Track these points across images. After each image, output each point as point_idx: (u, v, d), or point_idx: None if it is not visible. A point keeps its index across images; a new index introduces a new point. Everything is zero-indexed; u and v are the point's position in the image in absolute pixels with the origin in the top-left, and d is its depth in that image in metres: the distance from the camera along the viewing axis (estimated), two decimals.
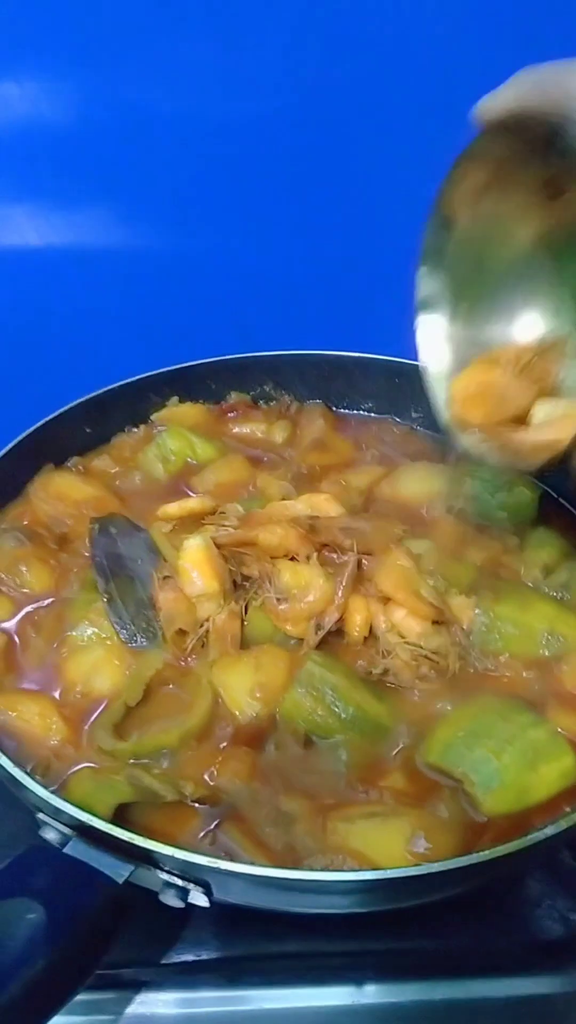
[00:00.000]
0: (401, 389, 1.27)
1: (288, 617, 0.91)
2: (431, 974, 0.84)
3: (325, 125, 1.39)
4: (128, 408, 1.22)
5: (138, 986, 0.82)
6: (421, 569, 0.92)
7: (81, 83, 1.34)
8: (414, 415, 1.28)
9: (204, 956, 0.84)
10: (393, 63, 1.34)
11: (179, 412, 1.24)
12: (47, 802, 0.73)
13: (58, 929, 0.62)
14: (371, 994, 0.83)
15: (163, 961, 0.83)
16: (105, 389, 1.19)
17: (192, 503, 1.03)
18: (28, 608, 0.98)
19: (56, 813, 0.73)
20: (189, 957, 0.84)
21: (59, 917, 0.62)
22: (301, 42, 1.32)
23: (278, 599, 0.92)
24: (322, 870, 0.72)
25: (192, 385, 1.26)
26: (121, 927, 0.68)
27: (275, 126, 1.39)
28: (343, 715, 0.85)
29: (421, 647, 0.89)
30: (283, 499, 1.06)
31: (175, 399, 1.25)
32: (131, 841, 0.69)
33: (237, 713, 0.87)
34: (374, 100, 1.37)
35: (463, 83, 1.30)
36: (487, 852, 0.70)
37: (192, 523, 1.03)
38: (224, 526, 0.99)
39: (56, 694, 0.89)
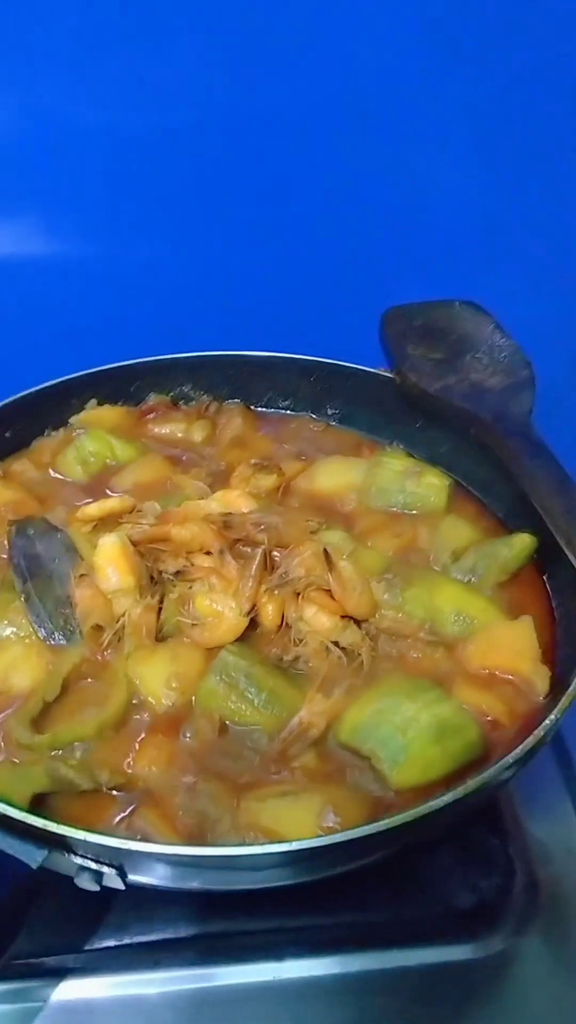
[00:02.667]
0: (317, 387, 1.31)
1: (200, 641, 0.93)
2: (350, 947, 0.88)
3: (239, 132, 1.42)
4: (47, 412, 1.23)
5: (63, 972, 0.84)
6: (333, 561, 0.94)
7: (7, 95, 1.35)
8: (330, 411, 1.31)
9: (126, 940, 0.87)
10: (318, 72, 1.37)
11: (98, 415, 1.26)
12: None
13: None
14: (291, 969, 0.87)
15: (86, 947, 0.85)
16: (24, 393, 1.20)
17: (111, 503, 1.04)
18: None
19: None
20: (111, 943, 0.86)
21: None
22: (225, 53, 1.35)
23: (192, 623, 0.94)
24: (223, 845, 0.74)
25: (112, 387, 1.28)
26: (40, 911, 0.70)
27: (196, 136, 1.41)
28: (256, 701, 0.88)
29: (336, 643, 0.91)
30: (199, 498, 1.09)
31: (93, 402, 1.26)
32: (45, 828, 0.71)
33: (154, 702, 0.89)
34: (286, 105, 1.40)
35: (370, 83, 1.37)
36: (388, 820, 0.73)
37: (112, 523, 1.05)
38: (140, 524, 1.02)
39: None
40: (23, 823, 0.72)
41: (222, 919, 0.88)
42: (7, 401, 1.19)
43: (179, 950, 0.86)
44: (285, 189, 1.43)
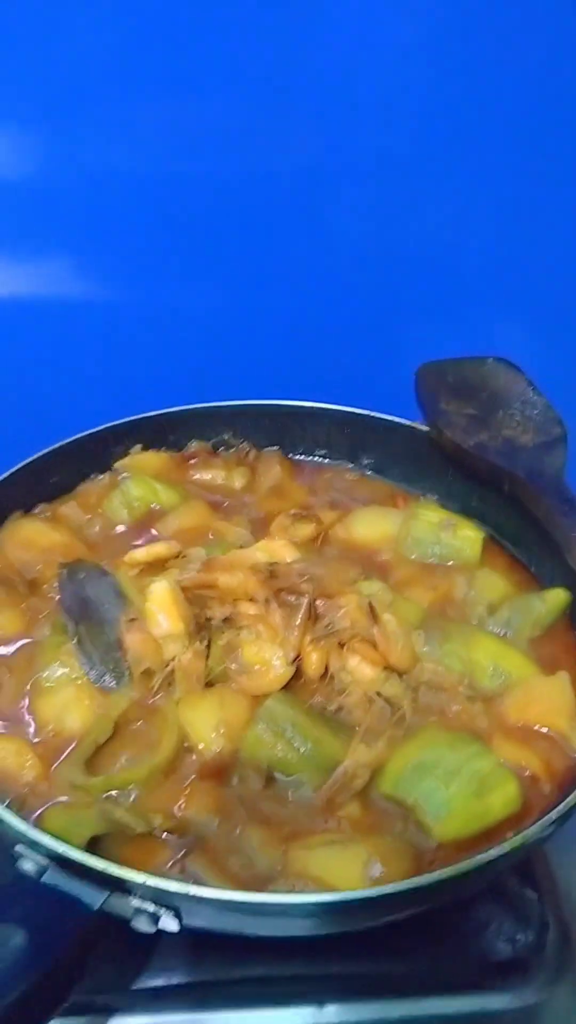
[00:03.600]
0: (352, 438, 1.35)
1: (246, 688, 0.96)
2: (388, 994, 0.90)
3: (275, 183, 1.46)
4: (93, 456, 1.27)
5: (110, 1011, 0.86)
6: (377, 613, 0.97)
7: (43, 140, 1.40)
8: (364, 462, 1.35)
9: (173, 981, 0.89)
10: (354, 126, 1.42)
11: (142, 460, 1.29)
12: (25, 835, 0.77)
13: (39, 953, 0.66)
14: (331, 1014, 0.88)
15: (134, 987, 0.87)
16: (71, 439, 1.24)
17: (159, 548, 1.07)
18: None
19: (33, 845, 0.77)
20: (159, 982, 0.88)
21: (39, 942, 0.67)
22: (262, 103, 1.40)
23: (238, 670, 0.97)
24: (283, 893, 0.77)
25: (154, 434, 1.31)
26: (96, 952, 0.72)
27: (227, 183, 1.46)
28: (301, 750, 0.90)
29: (378, 694, 0.94)
30: (240, 546, 1.12)
31: (138, 447, 1.30)
32: (105, 870, 0.74)
33: (202, 748, 0.92)
34: (323, 158, 1.45)
35: (403, 140, 1.42)
36: (436, 873, 0.75)
37: (157, 567, 1.08)
38: (188, 570, 1.05)
39: (30, 733, 0.93)
40: (84, 865, 0.74)
41: (265, 963, 0.90)
42: (54, 447, 1.23)
43: (223, 992, 0.88)
44: (323, 241, 1.48)
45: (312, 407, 1.34)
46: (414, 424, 1.29)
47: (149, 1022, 0.86)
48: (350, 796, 0.88)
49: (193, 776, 0.90)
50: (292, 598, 1.01)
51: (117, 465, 1.28)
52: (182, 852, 0.83)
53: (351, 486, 1.33)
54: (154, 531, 1.21)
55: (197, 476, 1.31)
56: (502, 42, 1.36)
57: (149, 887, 0.74)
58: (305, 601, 0.98)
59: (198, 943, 0.89)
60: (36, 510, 1.22)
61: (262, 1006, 0.88)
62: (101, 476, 1.28)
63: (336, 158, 1.45)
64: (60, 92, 1.36)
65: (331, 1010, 0.89)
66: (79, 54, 1.34)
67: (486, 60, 1.38)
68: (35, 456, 1.20)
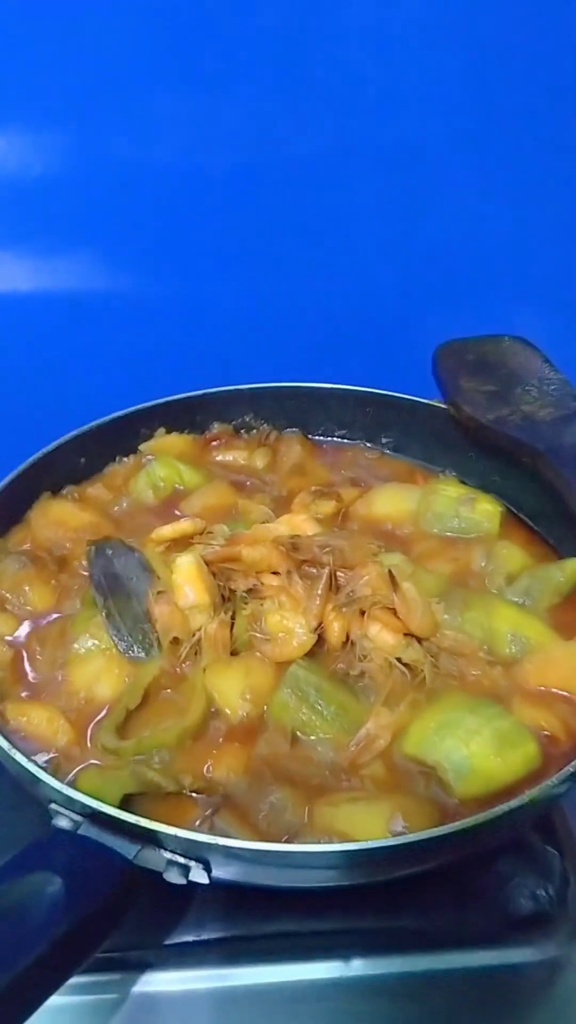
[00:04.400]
0: (372, 417, 1.37)
1: (271, 656, 0.99)
2: (413, 949, 0.92)
3: (294, 173, 1.50)
4: (119, 439, 1.30)
5: (142, 967, 0.89)
6: (398, 581, 1.00)
7: (67, 136, 1.44)
8: (384, 440, 1.37)
9: (204, 936, 0.91)
10: (356, 115, 1.45)
11: (166, 442, 1.33)
12: (60, 792, 0.80)
13: (76, 899, 0.69)
14: (358, 968, 0.91)
15: (165, 942, 0.91)
16: (97, 422, 1.27)
17: (184, 525, 1.10)
18: (32, 625, 1.05)
19: (68, 802, 0.80)
20: (189, 938, 0.91)
21: (77, 889, 0.70)
22: (282, 96, 1.43)
23: (263, 639, 1.00)
24: (309, 843, 0.79)
25: (178, 417, 1.34)
26: (130, 902, 0.75)
27: (247, 174, 1.49)
28: (325, 713, 0.93)
29: (398, 659, 0.97)
30: (263, 522, 1.15)
31: (162, 430, 1.33)
32: (138, 823, 0.77)
33: (230, 713, 0.95)
34: (341, 148, 1.48)
35: (421, 128, 1.44)
36: (457, 823, 0.78)
37: (183, 544, 1.11)
38: (212, 544, 1.08)
39: (62, 701, 0.97)
40: (117, 819, 0.78)
41: (292, 919, 0.93)
42: (81, 430, 1.26)
43: (252, 947, 0.91)
44: (342, 225, 1.51)
45: (332, 388, 1.36)
46: (433, 402, 1.31)
47: (180, 977, 0.89)
48: (373, 757, 0.90)
49: (221, 739, 0.93)
50: (313, 570, 1.04)
51: (143, 448, 1.32)
52: (211, 810, 0.86)
53: (371, 464, 1.35)
54: (178, 511, 1.23)
55: (220, 457, 1.34)
56: (522, 23, 1.38)
57: (180, 839, 0.76)
58: (326, 572, 1.01)
59: (228, 899, 0.92)
60: (64, 491, 1.25)
61: (290, 961, 0.91)
62: (127, 459, 1.31)
63: (354, 143, 1.48)
64: (80, 87, 1.40)
65: (357, 964, 0.91)
66: (99, 50, 1.37)
67: (504, 43, 1.40)
68: (63, 439, 1.23)
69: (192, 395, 1.36)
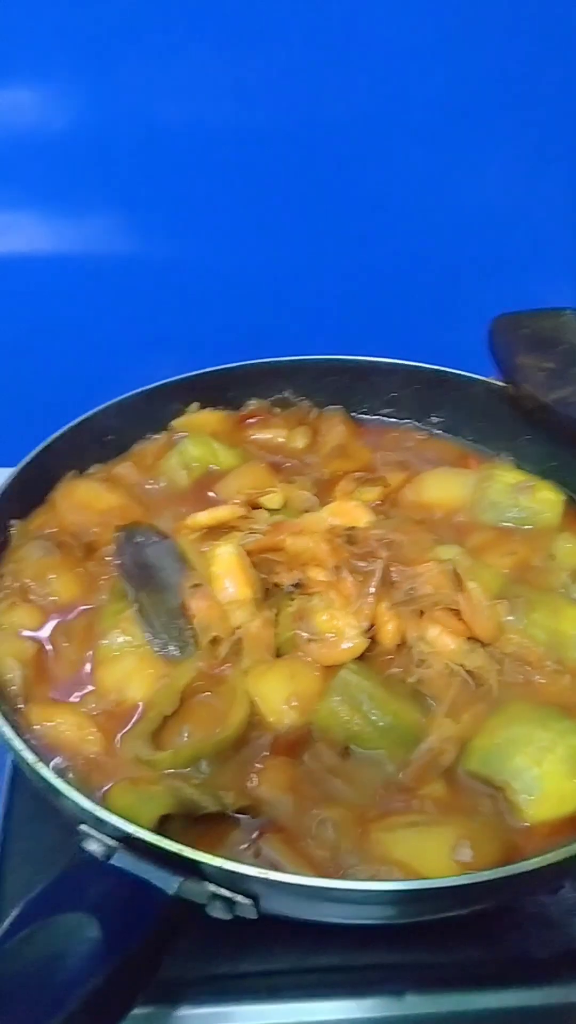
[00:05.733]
0: (421, 395, 1.27)
1: (318, 658, 0.90)
2: (470, 984, 0.84)
3: (334, 132, 1.40)
4: (148, 414, 1.21)
5: (179, 999, 0.81)
6: (463, 580, 0.91)
7: (90, 89, 1.34)
8: (434, 420, 1.28)
9: (243, 969, 0.83)
10: (401, 69, 1.35)
11: (200, 419, 1.23)
12: (91, 813, 0.72)
13: (113, 945, 0.61)
14: (411, 1005, 0.83)
15: (203, 974, 0.82)
16: (125, 396, 1.18)
17: (222, 512, 1.02)
18: (57, 617, 0.97)
19: (99, 824, 0.72)
20: (229, 970, 0.83)
21: (115, 930, 0.62)
22: (310, 50, 1.33)
23: (309, 639, 0.91)
24: (369, 880, 0.71)
25: (211, 392, 1.25)
26: (173, 940, 0.67)
27: (284, 133, 1.39)
28: (380, 723, 0.85)
29: (461, 665, 0.88)
30: (305, 509, 1.06)
31: (195, 405, 1.24)
32: (179, 852, 0.68)
33: (274, 721, 0.86)
34: (383, 106, 1.38)
35: (469, 88, 1.34)
36: (537, 860, 0.69)
37: (218, 531, 1.02)
38: (253, 531, 0.99)
39: (91, 704, 0.88)
40: (156, 847, 0.69)
41: (340, 951, 0.84)
42: (108, 404, 1.17)
43: (297, 981, 0.83)
44: (388, 190, 1.41)
45: (378, 362, 1.27)
46: (489, 380, 1.22)
47: (216, 1012, 0.81)
48: (437, 773, 0.82)
49: (264, 752, 0.84)
50: (363, 564, 0.95)
51: (174, 424, 1.22)
52: (255, 833, 0.78)
53: (419, 446, 1.26)
54: (212, 493, 1.14)
55: (256, 436, 1.25)
56: None
57: (226, 871, 0.68)
58: (380, 567, 0.92)
59: (272, 929, 0.83)
60: (90, 470, 1.16)
61: (337, 997, 0.83)
62: (157, 436, 1.22)
63: (398, 102, 1.37)
64: (108, 41, 1.30)
65: (411, 1000, 0.83)
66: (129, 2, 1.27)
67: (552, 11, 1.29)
68: (89, 413, 1.14)
69: (227, 367, 1.27)
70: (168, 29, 1.30)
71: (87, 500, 1.09)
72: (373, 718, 0.85)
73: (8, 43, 1.28)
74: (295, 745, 0.85)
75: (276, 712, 0.86)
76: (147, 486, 1.15)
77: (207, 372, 1.25)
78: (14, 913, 0.62)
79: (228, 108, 1.38)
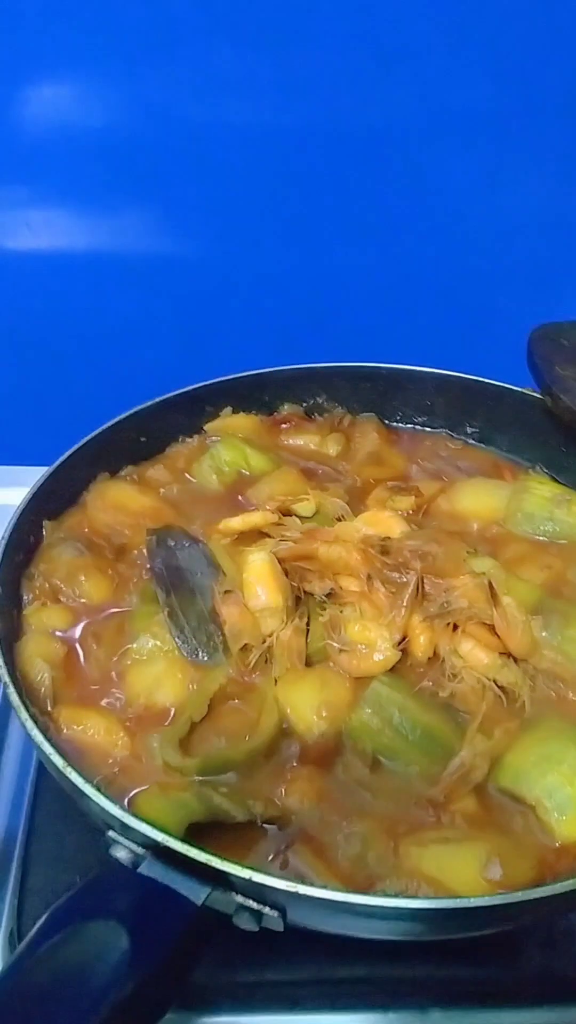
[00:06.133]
0: (456, 404, 1.26)
1: (349, 669, 0.89)
2: (497, 1002, 0.83)
3: (373, 137, 1.39)
4: (181, 417, 1.20)
5: (200, 1008, 0.81)
6: (497, 594, 0.90)
7: (132, 88, 1.34)
8: (468, 430, 1.26)
9: (267, 977, 0.83)
10: (444, 76, 1.34)
11: (232, 422, 1.23)
12: (119, 820, 0.71)
13: (143, 953, 0.60)
14: (436, 1021, 0.82)
15: (226, 982, 0.82)
16: (159, 399, 1.17)
17: (255, 517, 1.01)
18: (87, 619, 0.96)
19: (126, 831, 0.71)
20: (252, 978, 0.83)
21: (143, 940, 0.61)
22: (351, 54, 1.32)
23: (340, 649, 0.90)
24: (400, 897, 0.70)
25: (245, 396, 1.24)
26: (201, 950, 0.66)
27: (323, 137, 1.39)
28: (410, 737, 0.84)
29: (494, 681, 0.87)
30: (338, 517, 1.05)
31: (228, 409, 1.23)
32: (208, 863, 0.68)
33: (303, 731, 0.85)
34: (424, 113, 1.37)
35: (511, 97, 1.32)
36: (572, 882, 0.68)
37: (250, 537, 1.02)
38: (285, 539, 0.98)
39: (119, 707, 0.88)
40: (185, 856, 0.68)
41: (365, 963, 0.84)
42: (143, 407, 1.16)
43: (321, 992, 0.83)
44: (429, 197, 1.40)
45: (414, 370, 1.25)
46: (525, 390, 1.20)
47: (241, 1021, 0.81)
48: (468, 789, 0.81)
49: (293, 762, 0.84)
50: (396, 575, 0.94)
51: (207, 427, 1.22)
52: (283, 844, 0.77)
53: (454, 455, 1.24)
54: (242, 497, 1.14)
55: (289, 441, 1.24)
56: None
57: (255, 883, 0.67)
58: (414, 579, 0.91)
59: (295, 939, 0.82)
60: (122, 472, 1.15)
61: (361, 1009, 0.83)
62: (190, 439, 1.21)
63: (440, 114, 1.37)
64: (146, 38, 1.29)
65: (435, 1016, 0.83)
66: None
67: None
68: (124, 415, 1.14)
69: (260, 372, 1.26)
70: (209, 29, 1.30)
71: (119, 502, 1.09)
72: (404, 731, 0.84)
73: (47, 41, 1.28)
74: (324, 755, 0.84)
75: (306, 721, 0.86)
76: (179, 489, 1.14)
77: (241, 376, 1.24)
78: (42, 919, 0.62)
79: (267, 109, 1.37)
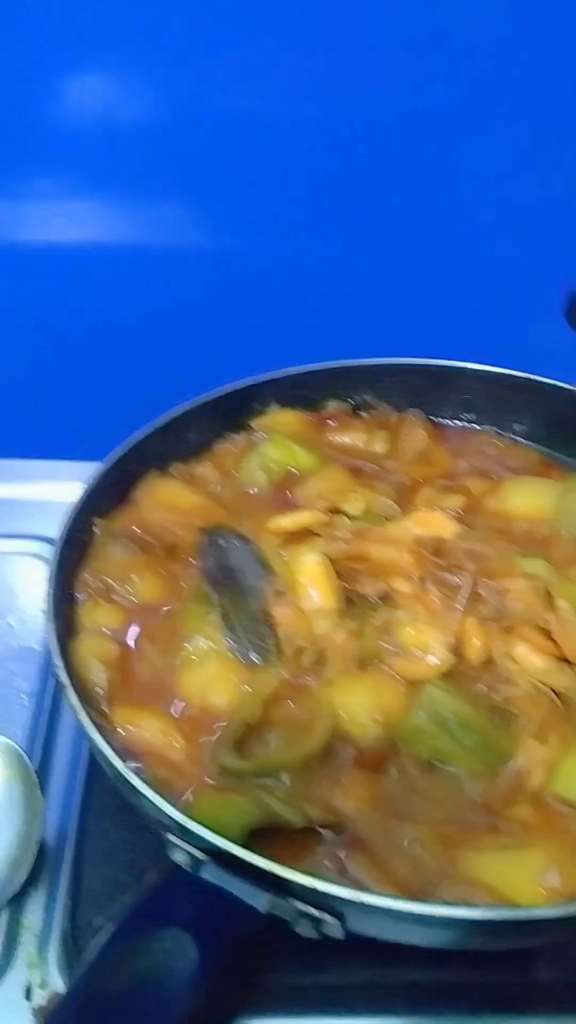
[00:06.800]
0: (503, 401, 1.25)
1: (403, 673, 0.89)
2: (553, 1009, 0.83)
3: (414, 129, 1.37)
4: (229, 414, 1.20)
5: (252, 1011, 0.81)
6: (554, 597, 0.89)
7: (161, 80, 1.33)
8: (516, 428, 1.25)
9: (320, 981, 0.83)
10: (481, 67, 1.32)
11: (280, 419, 1.22)
12: (179, 823, 0.71)
13: (212, 961, 0.61)
14: None
15: (281, 985, 0.82)
16: (210, 395, 1.17)
17: (305, 517, 1.01)
18: (140, 618, 0.97)
19: (185, 834, 0.72)
20: (305, 981, 0.83)
21: (211, 948, 0.61)
22: (389, 47, 1.30)
23: (393, 652, 0.90)
24: (466, 906, 0.69)
25: (291, 393, 1.23)
26: (265, 957, 0.66)
27: (364, 130, 1.37)
28: (467, 742, 0.83)
29: (549, 685, 0.86)
30: (386, 516, 1.04)
31: (276, 406, 1.23)
32: (270, 870, 0.68)
33: (357, 735, 0.85)
34: (466, 105, 1.35)
35: (551, 89, 1.30)
36: None
37: (299, 536, 1.01)
38: (336, 538, 0.98)
39: (174, 709, 0.88)
40: (248, 863, 0.68)
41: (416, 967, 0.84)
42: (193, 404, 1.16)
43: (374, 995, 0.83)
44: (476, 190, 1.38)
45: (463, 367, 1.24)
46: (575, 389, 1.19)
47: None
48: (524, 795, 0.81)
49: (347, 766, 0.83)
50: (449, 576, 0.94)
51: (254, 424, 1.21)
52: (339, 850, 0.77)
53: (501, 453, 1.23)
54: (290, 494, 1.13)
55: (336, 439, 1.23)
56: None
57: (317, 891, 0.67)
58: (469, 581, 0.91)
59: (349, 942, 0.83)
60: (170, 469, 1.15)
61: (412, 1014, 0.83)
62: (236, 436, 1.20)
63: (481, 106, 1.34)
64: (183, 31, 1.28)
65: (488, 1022, 0.82)
66: None
67: None
68: (176, 412, 1.13)
69: (306, 369, 1.24)
70: (246, 21, 1.28)
71: (170, 500, 1.09)
72: (459, 736, 0.84)
73: (86, 33, 1.27)
74: (379, 760, 0.84)
75: (360, 725, 0.85)
76: (227, 487, 1.14)
77: (289, 373, 1.23)
78: (111, 929, 0.62)
79: (310, 101, 1.35)
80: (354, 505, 1.05)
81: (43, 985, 0.86)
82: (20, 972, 0.88)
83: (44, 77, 1.32)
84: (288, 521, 1.01)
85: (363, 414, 1.27)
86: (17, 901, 0.92)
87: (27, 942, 0.90)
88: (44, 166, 1.40)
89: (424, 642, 0.89)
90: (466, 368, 1.25)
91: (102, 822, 0.96)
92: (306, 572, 0.93)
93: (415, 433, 1.23)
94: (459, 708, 0.85)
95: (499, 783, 0.81)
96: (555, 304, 1.28)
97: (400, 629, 0.91)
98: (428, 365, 1.26)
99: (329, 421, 1.24)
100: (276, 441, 1.17)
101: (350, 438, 1.23)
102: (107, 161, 1.40)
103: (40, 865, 0.94)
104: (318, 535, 1.01)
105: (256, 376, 1.21)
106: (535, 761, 0.82)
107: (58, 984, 0.86)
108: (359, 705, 0.86)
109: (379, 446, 1.21)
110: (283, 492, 1.14)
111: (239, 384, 1.20)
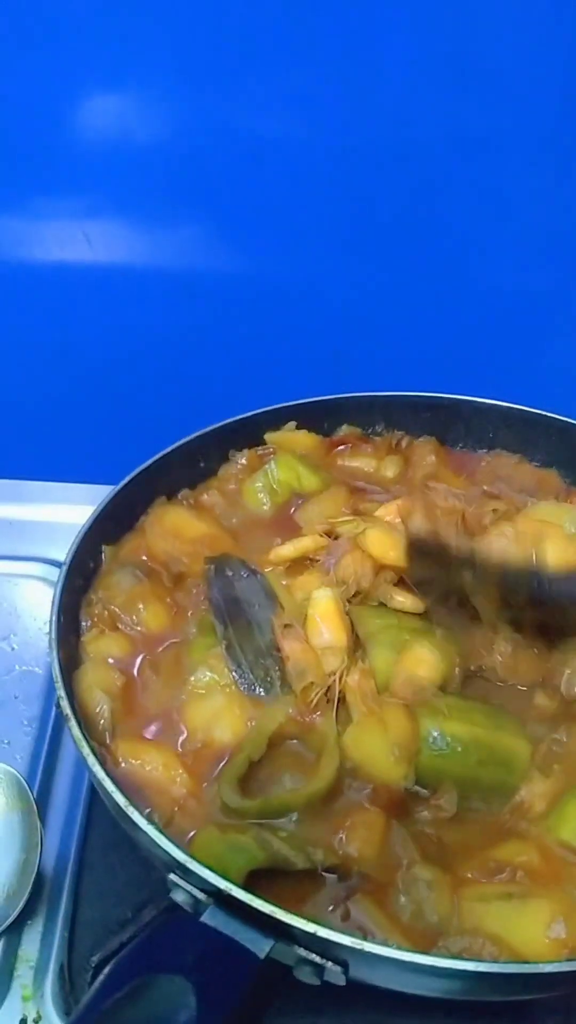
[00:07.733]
0: (517, 436, 1.24)
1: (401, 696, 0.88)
2: None
3: (437, 156, 1.36)
4: (240, 442, 1.20)
5: None
6: None
7: (183, 102, 1.32)
8: (532, 463, 1.24)
9: None
10: (509, 93, 1.31)
11: (293, 437, 1.22)
12: (181, 864, 0.70)
13: (210, 1010, 0.59)
14: None
15: None
16: (222, 423, 1.17)
17: (305, 543, 1.00)
18: (145, 648, 0.96)
19: (187, 875, 0.70)
20: None
21: (209, 997, 0.60)
22: (415, 69, 1.30)
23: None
24: (472, 960, 0.67)
25: (304, 422, 1.23)
26: (265, 1005, 0.65)
27: (385, 156, 1.36)
28: (474, 758, 0.83)
29: None
30: None
31: (292, 424, 1.22)
32: (272, 915, 0.67)
33: (391, 780, 0.82)
34: (489, 132, 1.34)
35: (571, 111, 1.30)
36: None
37: (302, 562, 1.01)
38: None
39: (177, 743, 0.87)
40: (251, 907, 0.67)
41: (419, 1016, 0.82)
42: (204, 432, 1.16)
43: None
44: (494, 221, 1.37)
45: (476, 401, 1.24)
46: None
47: None
48: (528, 824, 0.81)
49: (355, 806, 0.82)
50: None
51: (267, 437, 1.21)
52: (344, 894, 0.76)
53: (515, 475, 1.22)
54: (293, 512, 1.12)
55: (346, 463, 1.23)
56: None
57: (319, 938, 0.66)
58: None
59: (350, 990, 0.81)
60: (179, 495, 1.15)
61: None
62: (240, 454, 1.19)
63: (506, 134, 1.33)
64: (207, 53, 1.28)
65: None
66: (226, 14, 1.25)
67: None
68: (186, 439, 1.13)
69: (319, 400, 1.25)
70: (266, 46, 1.28)
71: (177, 528, 1.08)
72: (469, 756, 0.83)
73: (109, 53, 1.27)
74: (398, 799, 0.82)
75: (386, 768, 0.83)
76: (234, 513, 1.14)
77: (301, 403, 1.23)
78: (107, 971, 0.61)
79: (330, 125, 1.35)
80: (350, 528, 1.04)
81: (39, 1019, 0.85)
82: (16, 1004, 0.87)
83: (64, 98, 1.32)
84: (288, 549, 1.01)
85: (375, 438, 1.26)
86: (14, 931, 0.91)
87: (23, 974, 0.89)
88: (62, 186, 1.40)
89: None
90: (480, 403, 1.25)
91: (102, 853, 0.95)
92: (318, 608, 0.92)
93: (425, 458, 1.22)
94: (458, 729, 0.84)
95: (508, 810, 0.81)
96: (566, 341, 1.28)
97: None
98: (443, 399, 1.26)
99: (340, 445, 1.24)
100: (282, 462, 1.16)
101: (359, 463, 1.22)
102: (125, 183, 1.39)
103: (38, 895, 0.93)
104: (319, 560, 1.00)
105: (268, 406, 1.21)
106: (537, 794, 0.82)
107: (53, 1019, 0.84)
108: (377, 748, 0.84)
109: (389, 470, 1.21)
110: (288, 514, 1.13)
111: (250, 414, 1.19)
